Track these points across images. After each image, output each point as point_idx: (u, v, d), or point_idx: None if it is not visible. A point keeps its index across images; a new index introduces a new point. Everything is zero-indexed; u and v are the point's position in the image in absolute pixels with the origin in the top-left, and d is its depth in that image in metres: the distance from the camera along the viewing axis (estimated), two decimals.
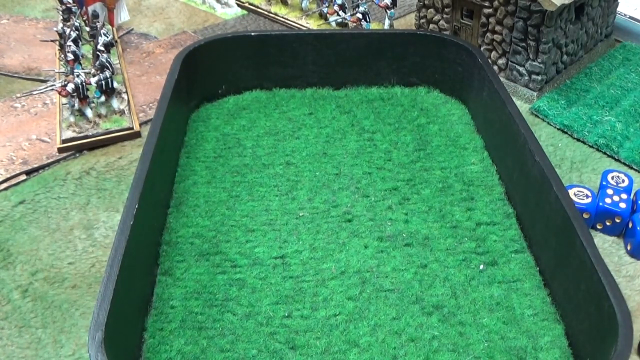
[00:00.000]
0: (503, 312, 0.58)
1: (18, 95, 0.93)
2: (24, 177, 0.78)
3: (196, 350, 0.55)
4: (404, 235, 0.66)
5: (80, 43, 0.92)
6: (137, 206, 0.58)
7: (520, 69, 0.90)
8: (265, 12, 1.16)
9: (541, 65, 0.88)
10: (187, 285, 0.61)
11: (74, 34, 0.91)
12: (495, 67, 0.93)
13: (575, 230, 0.56)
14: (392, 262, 0.63)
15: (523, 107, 0.89)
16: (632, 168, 0.78)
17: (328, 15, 1.07)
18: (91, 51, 0.92)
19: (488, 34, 0.92)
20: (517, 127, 0.69)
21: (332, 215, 0.69)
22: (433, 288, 0.60)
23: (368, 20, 1.01)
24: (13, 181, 0.77)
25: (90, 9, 1.00)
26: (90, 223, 0.71)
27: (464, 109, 0.86)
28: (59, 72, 0.93)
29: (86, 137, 0.82)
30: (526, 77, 0.90)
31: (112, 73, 0.84)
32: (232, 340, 0.55)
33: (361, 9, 1.01)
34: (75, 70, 0.84)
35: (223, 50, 0.87)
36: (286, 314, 0.58)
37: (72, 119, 0.84)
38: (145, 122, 0.87)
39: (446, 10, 0.96)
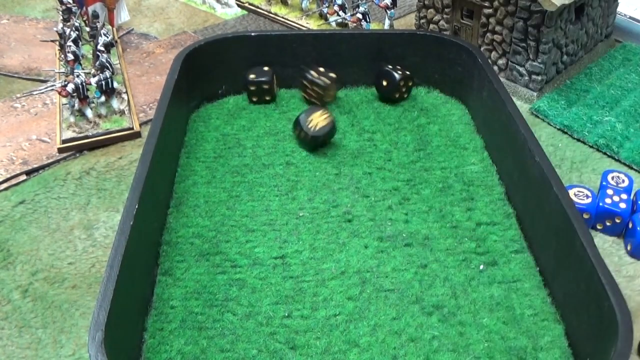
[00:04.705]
0: (503, 312, 0.58)
1: (18, 95, 0.93)
2: (24, 177, 0.78)
3: (196, 350, 0.55)
4: (404, 235, 0.66)
5: (80, 43, 0.92)
6: (137, 206, 0.58)
7: (520, 69, 0.90)
8: (265, 12, 1.16)
9: (541, 65, 0.88)
10: (187, 285, 0.61)
11: (74, 34, 0.91)
12: (495, 67, 0.93)
13: (575, 230, 0.56)
14: (392, 262, 0.63)
15: (523, 107, 0.89)
16: (632, 168, 0.78)
17: (328, 15, 1.07)
18: (91, 51, 0.92)
19: (488, 34, 0.92)
20: (517, 127, 0.69)
21: (332, 215, 0.69)
22: (433, 288, 0.60)
23: (368, 20, 1.01)
24: (13, 181, 0.77)
25: (90, 9, 1.00)
26: (90, 223, 0.71)
27: (464, 109, 0.86)
28: (59, 72, 0.93)
29: (86, 137, 0.82)
30: (526, 77, 0.90)
31: (112, 73, 0.84)
32: (232, 340, 0.55)
33: (361, 9, 1.01)
34: (75, 71, 0.84)
35: (223, 50, 0.87)
36: (286, 314, 0.58)
37: (72, 119, 0.84)
38: (145, 122, 0.87)
39: (446, 10, 0.96)
